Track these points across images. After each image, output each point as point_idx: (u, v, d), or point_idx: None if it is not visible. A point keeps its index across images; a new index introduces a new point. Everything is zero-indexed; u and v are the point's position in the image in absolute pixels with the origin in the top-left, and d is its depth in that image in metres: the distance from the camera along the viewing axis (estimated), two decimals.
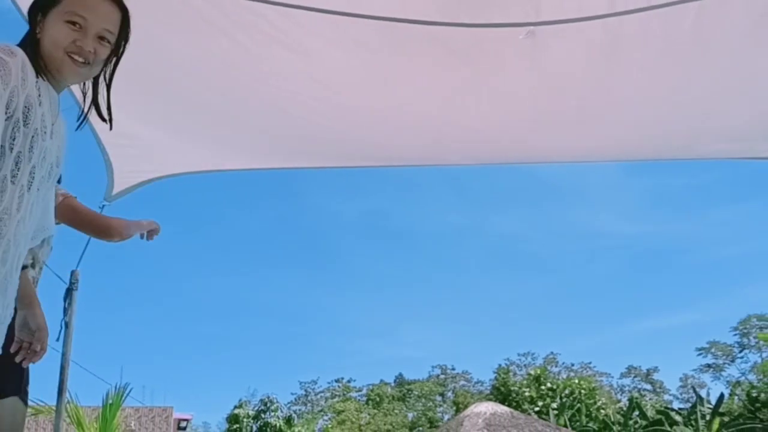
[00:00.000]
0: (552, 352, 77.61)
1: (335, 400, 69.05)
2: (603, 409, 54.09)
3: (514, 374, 63.38)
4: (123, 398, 15.82)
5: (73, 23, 2.87)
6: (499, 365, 65.04)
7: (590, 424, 48.12)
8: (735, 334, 64.95)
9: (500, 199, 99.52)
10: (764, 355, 58.27)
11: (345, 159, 7.16)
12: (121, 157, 6.17)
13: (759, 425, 44.02)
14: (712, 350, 70.40)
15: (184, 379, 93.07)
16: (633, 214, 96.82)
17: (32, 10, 2.93)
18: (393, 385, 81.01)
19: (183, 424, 40.65)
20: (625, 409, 52.80)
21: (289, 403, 71.09)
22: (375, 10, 4.50)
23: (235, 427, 40.70)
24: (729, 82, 5.60)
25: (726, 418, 44.19)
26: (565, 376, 64.69)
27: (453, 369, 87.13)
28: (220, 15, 4.59)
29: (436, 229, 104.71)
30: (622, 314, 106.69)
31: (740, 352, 66.27)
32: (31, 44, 2.86)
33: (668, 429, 43.17)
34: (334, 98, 5.72)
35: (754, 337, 61.35)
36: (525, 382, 57.66)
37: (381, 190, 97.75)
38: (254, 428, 40.23)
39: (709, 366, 71.67)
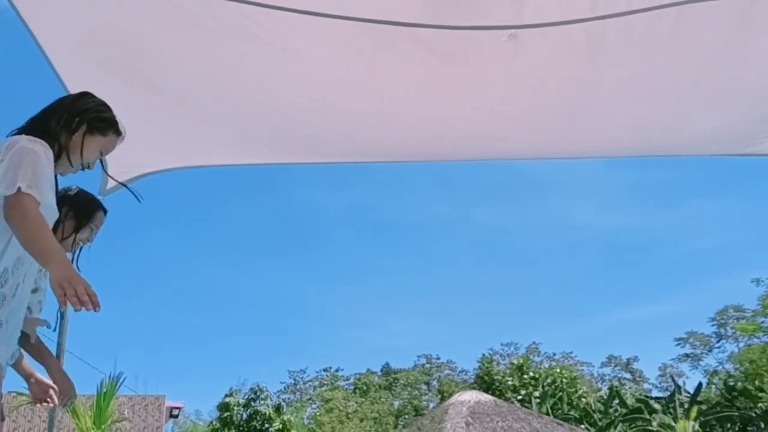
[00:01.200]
0: (534, 342, 77.67)
1: (323, 388, 68.96)
2: (584, 397, 54.22)
3: (498, 364, 63.44)
4: (117, 387, 15.88)
5: (101, 153, 3.78)
6: (483, 355, 65.07)
7: (572, 412, 48.24)
8: (712, 325, 65.13)
9: (483, 192, 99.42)
10: (741, 345, 58.34)
11: (332, 155, 7.18)
12: (114, 153, 6.17)
13: (736, 413, 44.20)
14: (690, 340, 70.51)
15: (176, 369, 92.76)
16: (612, 208, 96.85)
17: (78, 116, 3.61)
18: (379, 374, 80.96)
19: (175, 412, 40.57)
20: (605, 397, 52.98)
21: (278, 391, 71.10)
22: (361, 12, 4.52)
23: (225, 414, 40.69)
24: (706, 84, 5.64)
25: (704, 407, 44.36)
26: (547, 366, 64.77)
27: (438, 358, 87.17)
28: (210, 17, 4.62)
29: (421, 222, 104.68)
30: (602, 305, 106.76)
31: (717, 342, 66.43)
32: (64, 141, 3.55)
33: (647, 417, 43.29)
34: (322, 97, 5.74)
35: (731, 328, 61.51)
36: (508, 371, 57.75)
37: (367, 184, 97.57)
38: (244, 416, 40.22)
39: (687, 356, 71.80)
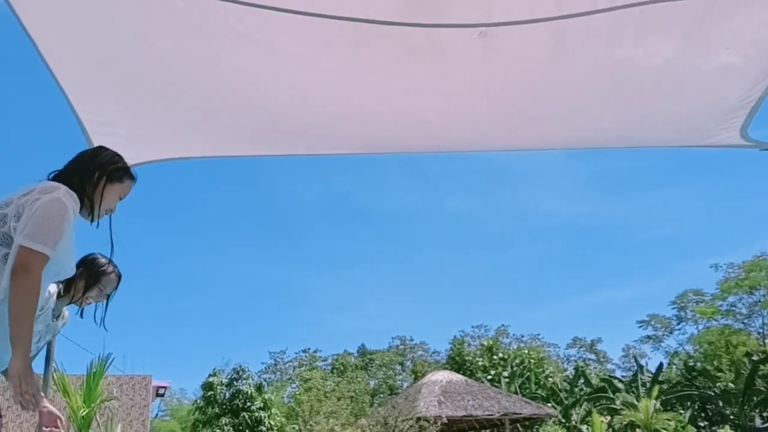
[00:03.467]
0: (503, 325, 78.03)
1: (302, 369, 68.96)
2: (551, 377, 54.51)
3: (468, 345, 63.69)
4: (106, 367, 15.87)
5: (119, 198, 4.13)
6: (455, 337, 65.31)
7: (539, 391, 48.47)
8: (673, 308, 65.40)
9: (454, 182, 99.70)
10: (700, 327, 58.71)
11: (310, 147, 7.18)
12: (104, 144, 6.17)
13: (695, 392, 44.54)
14: (652, 323, 70.87)
15: (162, 350, 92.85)
16: (576, 196, 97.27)
17: (97, 170, 3.98)
18: (356, 355, 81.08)
19: (161, 391, 40.53)
20: (571, 377, 53.28)
21: (259, 371, 71.27)
22: (339, 10, 4.53)
23: (209, 393, 40.60)
24: (666, 79, 5.68)
25: (665, 386, 44.72)
26: (515, 347, 65.08)
27: (411, 340, 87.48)
28: (196, 14, 4.62)
29: (395, 211, 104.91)
30: (567, 289, 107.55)
31: (678, 324, 66.78)
32: (88, 192, 3.91)
33: (611, 396, 43.59)
34: (301, 91, 5.75)
35: (691, 311, 61.84)
36: (478, 352, 58.02)
37: (343, 174, 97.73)
38: (227, 395, 40.15)
39: (649, 337, 72.19)
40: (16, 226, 3.41)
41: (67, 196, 3.59)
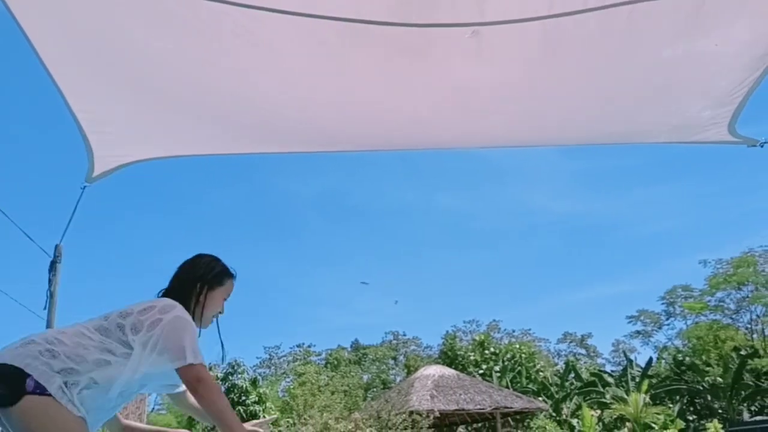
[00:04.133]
0: (495, 320, 78.05)
1: (297, 363, 68.88)
2: (541, 371, 54.55)
3: (460, 340, 63.70)
4: None
5: (224, 299, 4.26)
6: (447, 332, 65.29)
7: (530, 386, 48.51)
8: (662, 303, 65.49)
9: (447, 178, 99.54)
10: (689, 322, 58.77)
11: (305, 145, 7.20)
12: (100, 142, 6.17)
13: (684, 386, 44.64)
14: (641, 318, 70.94)
15: None
16: (567, 194, 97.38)
17: (198, 282, 4.12)
18: (349, 349, 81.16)
19: None
20: (561, 371, 53.32)
21: (254, 366, 71.21)
22: (333, 11, 4.55)
23: None
24: (656, 77, 5.71)
25: (654, 380, 44.75)
26: (506, 342, 65.11)
27: (404, 335, 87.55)
28: (192, 15, 4.65)
29: (389, 207, 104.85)
30: (558, 285, 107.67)
31: (667, 319, 66.81)
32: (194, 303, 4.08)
33: (601, 390, 43.61)
34: (295, 90, 5.76)
35: (680, 306, 61.91)
36: (470, 347, 57.95)
37: (337, 171, 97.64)
38: (222, 389, 40.12)
39: (638, 332, 72.25)
40: (134, 338, 3.65)
41: (183, 311, 3.86)
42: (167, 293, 4.06)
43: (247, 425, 4.14)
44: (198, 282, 4.12)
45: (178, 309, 3.83)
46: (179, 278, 4.15)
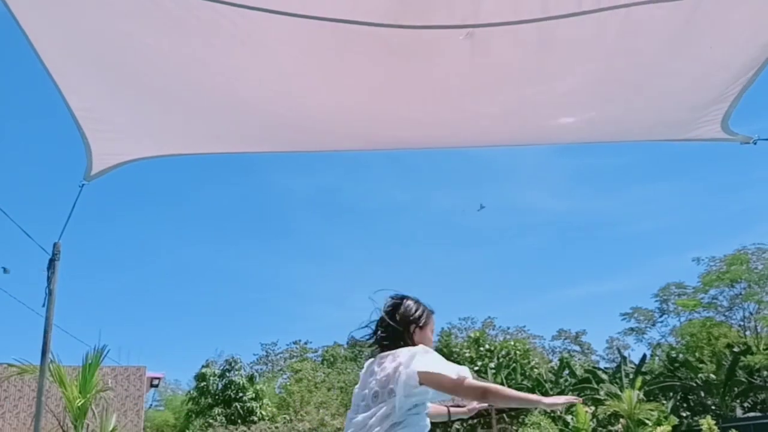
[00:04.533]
0: (489, 317, 77.75)
1: (293, 360, 68.81)
2: (536, 368, 54.42)
3: (456, 337, 63.49)
4: (101, 358, 15.81)
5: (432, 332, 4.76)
6: (442, 328, 65.02)
7: (525, 382, 48.48)
8: (656, 301, 65.27)
9: (441, 177, 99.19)
10: (682, 319, 58.69)
11: (300, 144, 7.22)
12: (98, 141, 6.19)
13: (678, 383, 44.64)
14: (635, 315, 70.81)
15: (156, 341, 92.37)
16: (561, 192, 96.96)
17: (411, 324, 4.63)
18: (345, 346, 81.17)
19: (155, 381, 40.42)
20: (556, 368, 53.36)
21: (251, 362, 70.91)
22: (328, 12, 4.57)
23: (202, 384, 40.63)
24: (649, 76, 5.73)
25: (648, 377, 44.68)
26: (501, 339, 64.94)
27: None
28: (188, 15, 4.66)
29: (383, 206, 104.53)
30: (552, 282, 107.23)
31: (660, 316, 66.69)
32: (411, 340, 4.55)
33: (595, 386, 43.62)
34: (290, 91, 5.79)
35: (673, 303, 61.79)
36: (465, 343, 57.84)
37: (331, 169, 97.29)
38: (220, 386, 40.19)
39: (632, 329, 72.09)
40: (393, 388, 4.20)
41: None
42: (391, 346, 4.59)
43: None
44: (411, 325, 4.62)
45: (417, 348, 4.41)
46: (392, 327, 4.68)
